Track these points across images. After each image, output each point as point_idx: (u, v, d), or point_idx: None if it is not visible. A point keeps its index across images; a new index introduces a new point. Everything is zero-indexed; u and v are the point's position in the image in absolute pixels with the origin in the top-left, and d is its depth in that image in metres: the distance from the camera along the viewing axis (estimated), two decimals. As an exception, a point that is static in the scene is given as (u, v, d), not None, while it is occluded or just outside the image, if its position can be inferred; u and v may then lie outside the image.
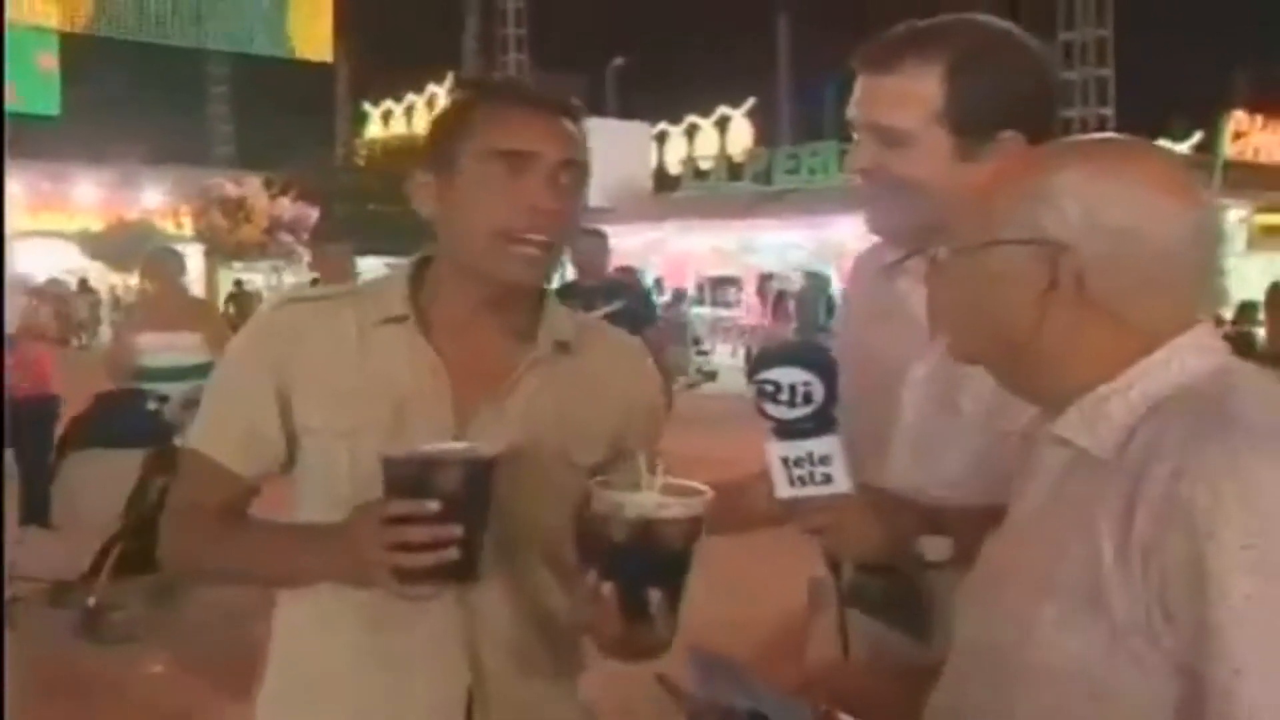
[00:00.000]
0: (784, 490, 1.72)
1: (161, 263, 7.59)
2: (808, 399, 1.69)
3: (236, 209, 25.14)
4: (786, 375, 1.69)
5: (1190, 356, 1.35)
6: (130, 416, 6.86)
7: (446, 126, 1.82)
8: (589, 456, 1.87)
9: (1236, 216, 20.88)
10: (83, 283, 33.73)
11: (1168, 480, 1.23)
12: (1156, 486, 1.24)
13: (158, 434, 6.66)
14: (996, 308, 1.39)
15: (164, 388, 6.81)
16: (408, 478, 1.58)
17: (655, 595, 1.57)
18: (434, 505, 1.55)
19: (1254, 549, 1.18)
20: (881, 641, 1.89)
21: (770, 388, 1.69)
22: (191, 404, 6.43)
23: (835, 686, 1.66)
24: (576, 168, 1.80)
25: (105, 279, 34.02)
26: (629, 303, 7.64)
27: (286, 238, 24.99)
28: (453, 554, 1.56)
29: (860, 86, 1.90)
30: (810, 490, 1.71)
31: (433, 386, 1.80)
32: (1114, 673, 1.27)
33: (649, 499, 1.57)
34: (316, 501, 1.82)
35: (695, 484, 1.59)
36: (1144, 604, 1.24)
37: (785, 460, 1.71)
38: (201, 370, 6.65)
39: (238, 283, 29.36)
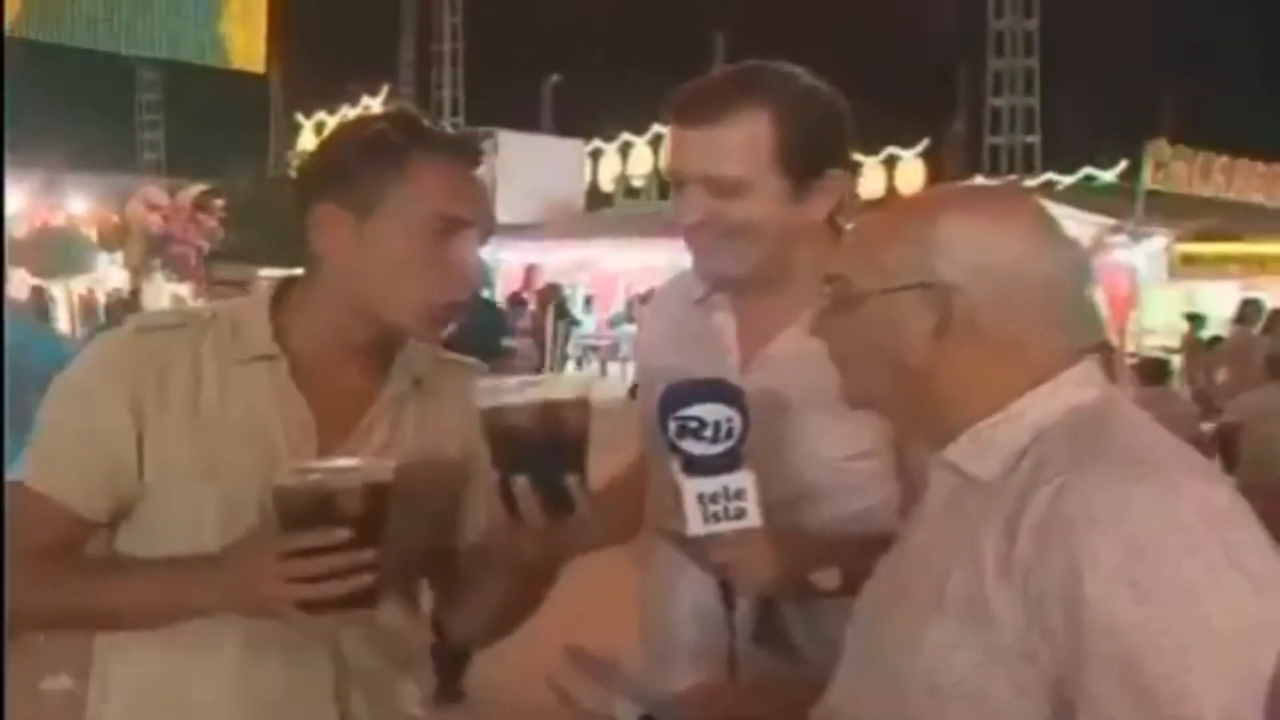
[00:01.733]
0: (697, 527, 1.70)
1: None
2: (729, 434, 1.70)
3: (122, 223, 24.61)
4: (711, 412, 1.70)
5: (1073, 389, 1.42)
6: None
7: (368, 162, 1.70)
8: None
9: (1159, 245, 21.14)
10: (3, 290, 33.07)
11: (1049, 500, 1.30)
12: (1039, 507, 1.30)
13: None
14: (895, 350, 1.43)
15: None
16: (306, 506, 1.52)
17: (573, 480, 1.54)
18: (343, 533, 1.50)
19: (1124, 567, 1.24)
20: (770, 670, 1.88)
21: (694, 424, 1.70)
22: None
23: (723, 705, 1.66)
24: (490, 233, 1.77)
25: (26, 285, 33.36)
26: (468, 324, 6.40)
27: (179, 250, 24.31)
28: (365, 580, 1.52)
29: (685, 140, 1.91)
30: (724, 525, 1.70)
31: (300, 430, 1.73)
32: (994, 688, 1.32)
33: (539, 384, 1.55)
34: (173, 546, 1.70)
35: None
36: (1024, 619, 1.29)
37: (701, 496, 1.70)
38: None
39: (134, 292, 28.55)
